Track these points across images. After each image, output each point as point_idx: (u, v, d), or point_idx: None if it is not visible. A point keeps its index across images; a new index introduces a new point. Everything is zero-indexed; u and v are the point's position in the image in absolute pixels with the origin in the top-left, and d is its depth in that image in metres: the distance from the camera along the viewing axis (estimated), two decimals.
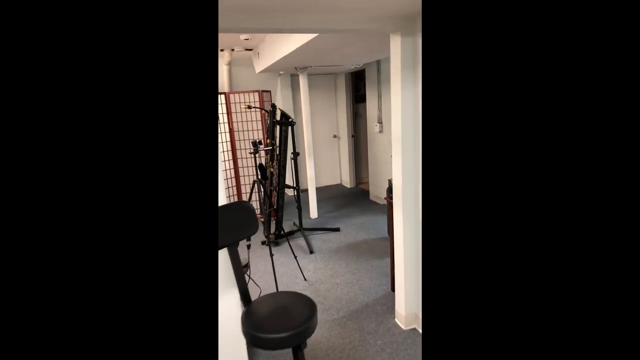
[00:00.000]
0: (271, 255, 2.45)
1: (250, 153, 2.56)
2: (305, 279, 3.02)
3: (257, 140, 2.54)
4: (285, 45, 3.11)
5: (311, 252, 3.53)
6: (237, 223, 1.58)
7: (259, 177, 2.55)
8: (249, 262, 2.21)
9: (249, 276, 2.84)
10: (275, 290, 2.47)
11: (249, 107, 3.45)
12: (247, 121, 4.49)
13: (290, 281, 3.01)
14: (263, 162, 3.59)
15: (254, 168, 4.54)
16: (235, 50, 4.42)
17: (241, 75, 5.34)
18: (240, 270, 1.60)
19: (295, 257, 2.99)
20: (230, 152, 4.52)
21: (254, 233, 1.66)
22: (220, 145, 4.42)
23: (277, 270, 3.23)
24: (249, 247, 2.23)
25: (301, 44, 2.61)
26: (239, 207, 1.61)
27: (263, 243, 3.81)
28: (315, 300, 2.70)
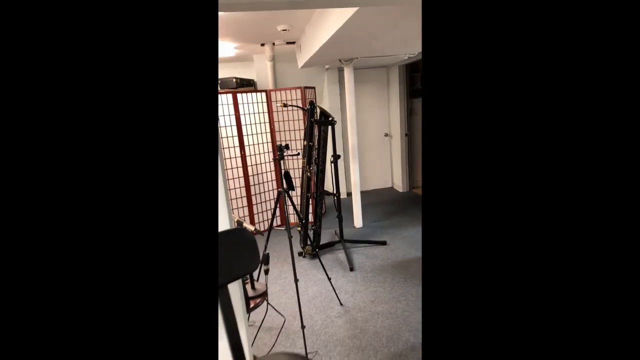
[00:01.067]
0: (296, 281, 2.07)
1: (274, 159, 2.21)
2: (341, 304, 2.60)
3: (283, 144, 2.17)
4: (324, 32, 2.71)
5: (351, 269, 3.10)
6: (230, 257, 1.22)
7: (284, 187, 2.18)
8: (266, 290, 1.85)
9: (268, 303, 2.49)
10: (300, 321, 2.10)
11: (285, 105, 3.11)
12: (289, 120, 4.18)
13: (324, 305, 2.62)
14: (300, 169, 3.22)
15: (297, 173, 4.21)
16: (276, 44, 4.12)
17: (286, 72, 5.06)
18: (232, 319, 1.23)
19: (329, 279, 2.58)
20: (270, 154, 4.25)
21: (253, 270, 1.28)
22: (260, 146, 4.17)
23: (312, 288, 2.85)
24: (266, 272, 1.87)
25: (339, 25, 2.19)
26: (233, 237, 1.24)
27: (300, 254, 3.47)
28: (350, 333, 2.27)
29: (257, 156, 4.16)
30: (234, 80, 4.62)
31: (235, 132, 3.96)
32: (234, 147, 3.97)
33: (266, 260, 1.85)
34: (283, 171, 2.16)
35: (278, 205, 2.30)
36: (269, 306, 2.58)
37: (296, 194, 4.08)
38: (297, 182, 4.19)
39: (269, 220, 2.21)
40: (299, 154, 2.50)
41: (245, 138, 4.03)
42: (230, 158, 3.96)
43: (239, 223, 1.78)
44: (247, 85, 4.79)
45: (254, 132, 4.12)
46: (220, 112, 3.84)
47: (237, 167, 4.01)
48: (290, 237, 2.00)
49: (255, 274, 2.25)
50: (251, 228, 1.79)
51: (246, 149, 4.05)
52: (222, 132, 3.88)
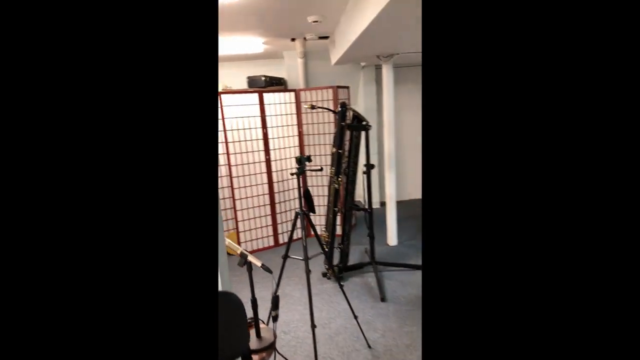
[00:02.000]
0: (313, 328, 1.68)
1: (292, 174, 1.83)
2: (369, 346, 2.18)
3: (304, 156, 1.79)
4: (360, 21, 2.29)
5: (383, 299, 2.66)
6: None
7: (303, 207, 1.80)
8: (274, 341, 1.47)
9: (278, 353, 2.11)
10: None
11: (312, 107, 2.73)
12: (320, 123, 3.80)
13: (348, 345, 2.21)
14: (334, 184, 2.82)
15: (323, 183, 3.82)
16: (307, 39, 3.75)
17: (318, 70, 4.68)
18: None
19: (356, 317, 2.16)
20: None
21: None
22: (286, 150, 3.82)
23: (335, 321, 2.45)
24: (275, 318, 1.50)
25: (378, 11, 1.77)
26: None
27: (324, 275, 3.08)
28: None
29: (283, 161, 3.82)
30: (263, 78, 4.33)
31: (260, 135, 3.64)
32: (259, 151, 3.66)
33: (275, 303, 1.48)
34: (302, 189, 1.77)
35: (296, 228, 1.91)
36: (278, 355, 2.21)
37: (319, 214, 3.70)
38: (320, 201, 3.80)
39: (285, 246, 1.82)
40: (321, 169, 2.10)
41: (270, 142, 3.71)
42: (254, 163, 3.65)
43: (243, 255, 1.42)
44: (276, 84, 4.48)
45: (280, 135, 3.78)
46: (245, 113, 3.54)
47: (261, 173, 3.70)
48: (308, 272, 1.62)
49: (263, 316, 1.90)
50: (258, 263, 1.43)
51: (271, 153, 3.73)
52: (246, 134, 3.58)
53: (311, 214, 1.91)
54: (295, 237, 2.17)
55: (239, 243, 3.67)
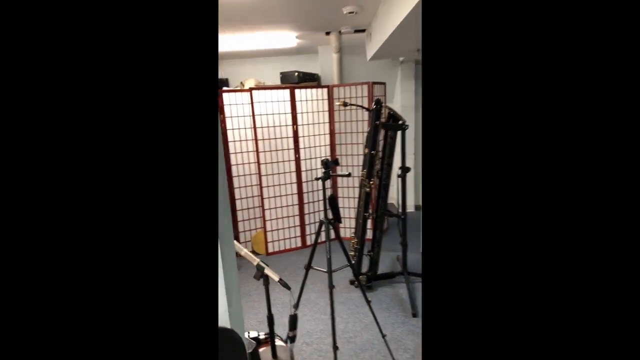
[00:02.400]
0: (335, 349, 1.52)
1: (317, 178, 1.66)
2: None
3: (331, 159, 1.62)
4: (399, 10, 2.08)
5: (414, 314, 2.44)
6: None
7: (328, 216, 1.64)
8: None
9: None
10: None
11: (345, 104, 2.56)
12: (354, 121, 3.62)
13: None
14: (364, 189, 2.64)
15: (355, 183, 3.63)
16: (343, 32, 3.57)
17: (354, 65, 4.49)
18: None
19: (384, 336, 1.97)
20: (329, 158, 3.74)
21: None
22: (317, 149, 3.68)
23: (362, 335, 2.28)
24: (292, 339, 1.36)
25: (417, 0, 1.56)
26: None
27: (352, 283, 2.91)
28: None
29: (313, 161, 3.68)
30: (296, 74, 4.21)
31: (290, 133, 3.52)
32: (288, 149, 3.54)
33: (293, 323, 1.34)
34: (328, 195, 1.61)
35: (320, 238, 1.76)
36: None
37: (348, 216, 3.51)
38: (348, 203, 3.61)
39: (307, 259, 1.68)
40: (349, 175, 1.92)
41: (300, 140, 3.58)
42: (284, 162, 3.54)
43: (260, 268, 1.29)
44: (310, 79, 4.34)
45: (311, 133, 3.64)
46: (275, 110, 3.43)
47: (290, 172, 3.58)
48: (331, 288, 1.46)
49: (280, 329, 1.76)
50: (275, 278, 1.29)
51: (301, 152, 3.60)
52: (276, 132, 3.48)
53: (336, 222, 1.75)
54: (321, 240, 2.03)
55: (266, 243, 3.60)
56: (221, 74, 5.02)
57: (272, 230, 3.61)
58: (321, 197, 3.82)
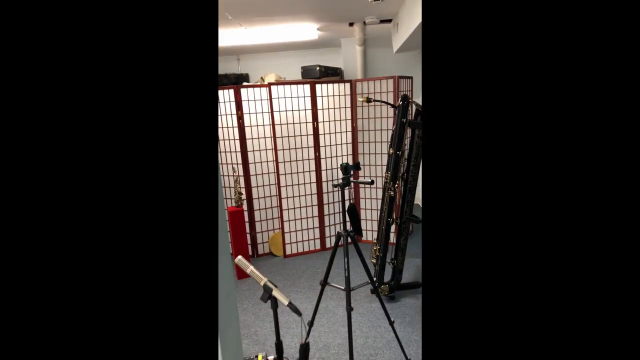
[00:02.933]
0: None
1: (335, 186, 1.48)
2: None
3: (351, 163, 1.43)
4: None
5: None
6: None
7: (347, 228, 1.45)
8: None
9: None
10: None
11: (368, 100, 2.35)
12: (378, 118, 3.40)
13: None
14: (388, 197, 2.43)
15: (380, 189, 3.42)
16: (367, 22, 3.34)
17: (379, 58, 4.25)
18: None
19: (404, 352, 1.78)
20: (350, 157, 3.54)
21: None
22: (338, 147, 3.49)
23: (383, 354, 2.09)
24: (304, 348, 1.19)
25: None
26: None
27: (373, 292, 2.72)
28: None
29: (334, 159, 3.50)
30: (317, 68, 4.03)
31: (310, 130, 3.35)
32: (308, 147, 3.38)
33: (304, 354, 1.18)
34: (347, 204, 1.43)
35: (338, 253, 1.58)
36: None
37: (357, 249, 3.30)
38: (372, 204, 3.41)
39: (324, 273, 1.50)
40: (372, 182, 1.71)
41: (321, 138, 3.40)
42: (302, 160, 3.38)
43: (267, 289, 1.14)
44: (332, 74, 4.15)
45: (333, 130, 3.45)
46: (295, 106, 3.27)
47: (309, 171, 3.42)
48: (349, 310, 1.28)
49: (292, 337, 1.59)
50: (284, 301, 1.13)
51: (321, 150, 3.42)
52: (296, 129, 3.32)
53: (356, 235, 1.56)
54: (342, 241, 1.85)
55: (283, 244, 3.46)
56: (241, 69, 4.91)
57: (290, 232, 3.47)
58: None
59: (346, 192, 1.62)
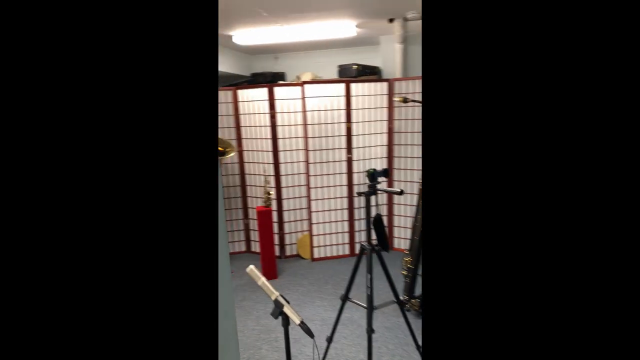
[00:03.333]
0: None
1: (359, 194, 1.34)
2: None
3: (380, 169, 1.29)
4: None
5: None
6: None
7: (371, 242, 1.32)
8: None
9: None
10: None
11: (405, 100, 2.19)
12: (416, 119, 3.21)
13: None
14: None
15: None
16: (409, 18, 3.15)
17: (420, 57, 4.02)
18: None
19: None
20: (384, 160, 3.38)
21: None
22: (372, 150, 3.34)
23: None
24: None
25: None
26: None
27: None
28: None
29: (367, 162, 3.35)
30: (354, 67, 3.89)
31: (343, 131, 3.23)
32: (340, 149, 3.26)
33: None
34: (373, 215, 1.29)
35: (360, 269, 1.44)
36: None
37: (382, 265, 3.10)
38: (407, 211, 3.21)
39: (343, 294, 1.38)
40: (401, 192, 1.55)
41: (354, 139, 3.27)
42: (334, 162, 3.27)
43: (278, 305, 1.04)
44: (370, 73, 3.99)
45: (367, 131, 3.31)
46: (328, 106, 3.17)
47: (340, 173, 3.30)
48: (370, 332, 1.15)
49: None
50: (296, 320, 1.03)
51: (354, 152, 3.29)
52: (328, 129, 3.21)
53: (383, 250, 1.41)
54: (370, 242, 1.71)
55: (311, 247, 3.37)
56: (278, 68, 4.90)
57: (318, 235, 3.38)
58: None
59: (376, 198, 1.48)
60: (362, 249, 1.38)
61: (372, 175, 1.29)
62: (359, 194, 1.32)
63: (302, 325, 1.01)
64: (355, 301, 1.48)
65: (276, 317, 1.05)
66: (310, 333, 1.00)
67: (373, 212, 1.45)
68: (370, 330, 1.26)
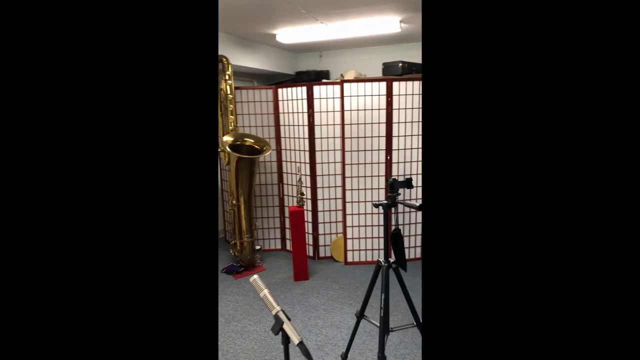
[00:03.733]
0: None
1: (377, 205, 1.22)
2: None
3: (402, 179, 1.17)
4: None
5: None
6: None
7: (387, 260, 1.19)
8: None
9: None
10: None
11: None
12: None
13: None
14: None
15: None
16: None
17: None
18: None
19: None
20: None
21: None
22: (412, 152, 3.15)
23: None
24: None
25: None
26: None
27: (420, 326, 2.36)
28: None
29: (407, 165, 3.18)
30: (400, 65, 3.71)
31: (382, 132, 3.09)
32: (379, 150, 3.12)
33: None
34: (393, 229, 1.17)
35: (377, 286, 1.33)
36: None
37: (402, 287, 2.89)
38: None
39: (358, 311, 1.28)
40: (420, 207, 1.38)
41: (394, 140, 3.11)
42: (372, 163, 3.14)
43: (278, 321, 0.98)
44: (416, 71, 3.78)
45: (408, 132, 3.13)
46: (368, 105, 3.04)
47: (378, 176, 3.16)
48: (382, 359, 1.05)
49: None
50: (295, 340, 0.96)
51: (394, 154, 3.13)
52: (367, 130, 3.09)
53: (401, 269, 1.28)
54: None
55: (345, 251, 3.29)
56: (323, 66, 4.85)
57: (352, 239, 3.28)
58: (407, 209, 3.29)
59: (396, 210, 1.36)
60: (379, 265, 1.27)
61: (392, 185, 1.17)
62: (376, 205, 1.21)
63: (301, 346, 0.94)
64: (372, 320, 1.38)
65: (276, 334, 0.99)
66: (309, 356, 0.93)
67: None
68: (382, 357, 1.15)
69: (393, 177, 1.25)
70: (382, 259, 1.25)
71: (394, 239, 1.17)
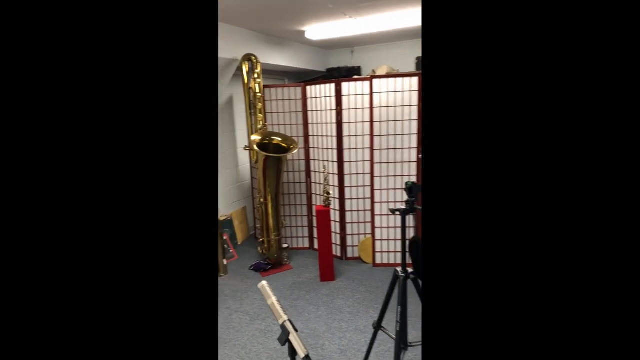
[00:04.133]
0: None
1: (393, 211, 1.13)
2: None
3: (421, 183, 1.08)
4: None
5: None
6: None
7: (405, 270, 1.10)
8: None
9: None
10: None
11: None
12: None
13: None
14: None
15: None
16: None
17: None
18: None
19: None
20: None
21: None
22: None
23: None
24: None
25: None
26: None
27: None
28: None
29: None
30: None
31: (414, 129, 2.95)
32: (409, 148, 2.99)
33: None
34: (411, 237, 1.08)
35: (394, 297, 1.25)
36: None
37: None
38: None
39: (375, 321, 1.21)
40: None
41: None
42: (402, 162, 3.02)
43: (285, 331, 0.94)
44: None
45: None
46: (399, 102, 2.92)
47: (409, 175, 3.03)
48: None
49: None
50: (301, 354, 0.92)
51: None
52: (397, 128, 2.97)
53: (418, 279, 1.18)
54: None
55: (373, 252, 3.19)
56: (354, 62, 4.74)
57: (381, 240, 3.17)
58: None
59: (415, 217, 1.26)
60: (396, 276, 1.18)
61: (410, 189, 1.07)
62: (393, 211, 1.11)
63: (307, 359, 0.89)
64: (389, 333, 1.29)
65: (283, 344, 0.95)
66: None
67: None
68: None
69: (411, 181, 1.15)
70: (399, 269, 1.17)
71: (412, 248, 1.08)
